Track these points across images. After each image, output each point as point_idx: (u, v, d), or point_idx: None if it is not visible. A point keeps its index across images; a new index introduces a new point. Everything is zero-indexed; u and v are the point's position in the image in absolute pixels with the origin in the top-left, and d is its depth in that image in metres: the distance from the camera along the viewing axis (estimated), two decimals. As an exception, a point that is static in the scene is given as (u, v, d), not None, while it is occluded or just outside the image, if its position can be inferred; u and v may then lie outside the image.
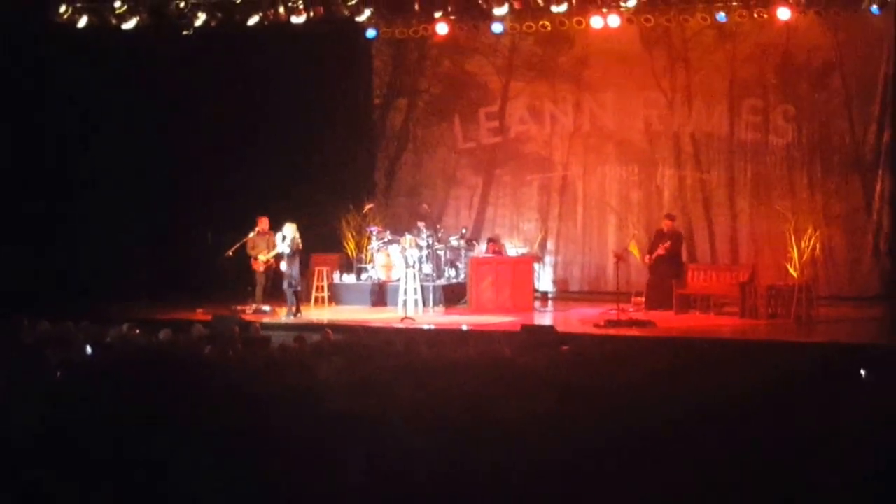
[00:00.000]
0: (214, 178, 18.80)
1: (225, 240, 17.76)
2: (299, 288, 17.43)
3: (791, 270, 16.84)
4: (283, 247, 17.26)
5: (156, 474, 4.70)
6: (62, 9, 17.59)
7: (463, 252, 19.55)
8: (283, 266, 17.23)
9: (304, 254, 18.13)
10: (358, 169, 21.08)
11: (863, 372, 8.19)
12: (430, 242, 18.99)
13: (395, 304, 17.80)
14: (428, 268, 18.79)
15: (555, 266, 20.51)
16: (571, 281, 20.50)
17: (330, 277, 19.09)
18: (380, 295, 18.88)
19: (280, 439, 5.04)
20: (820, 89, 18.91)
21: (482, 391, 6.32)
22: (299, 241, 17.28)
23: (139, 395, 5.81)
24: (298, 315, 17.02)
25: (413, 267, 17.93)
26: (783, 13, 17.73)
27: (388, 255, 19.09)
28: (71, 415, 5.49)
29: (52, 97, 18.07)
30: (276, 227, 17.49)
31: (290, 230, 17.24)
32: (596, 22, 18.36)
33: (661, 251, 17.67)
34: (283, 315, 17.16)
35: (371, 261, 19.49)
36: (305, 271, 18.72)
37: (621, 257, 17.36)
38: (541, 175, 20.63)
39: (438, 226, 19.78)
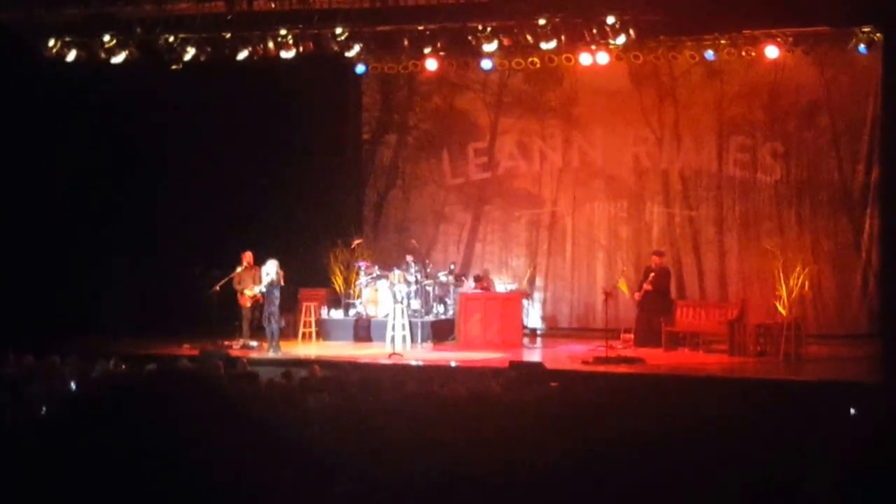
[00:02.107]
0: (202, 213, 18.73)
1: (212, 275, 17.68)
2: (276, 324, 17.25)
3: (780, 308, 16.83)
4: (265, 285, 17.19)
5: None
6: (51, 43, 17.56)
7: (451, 288, 19.49)
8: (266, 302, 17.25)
9: (293, 288, 18.04)
10: (346, 204, 21.06)
11: (852, 410, 8.15)
12: (419, 278, 18.94)
13: (381, 339, 17.71)
14: (416, 303, 18.72)
15: (543, 302, 20.46)
16: (560, 317, 20.46)
17: (318, 313, 18.97)
18: (365, 330, 18.76)
19: (266, 475, 4.97)
20: (808, 127, 18.99)
21: (470, 428, 6.26)
22: (282, 276, 17.21)
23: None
24: (277, 350, 16.94)
25: (401, 303, 17.87)
26: (771, 52, 17.85)
27: (377, 291, 19.02)
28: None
29: (34, 131, 17.98)
30: (262, 262, 17.40)
31: (272, 267, 17.17)
32: (585, 59, 18.43)
33: (647, 285, 17.67)
34: (268, 350, 17.06)
35: (359, 296, 19.42)
36: (293, 306, 18.63)
37: (610, 294, 17.35)
38: (530, 211, 20.63)
39: (427, 261, 19.73)
